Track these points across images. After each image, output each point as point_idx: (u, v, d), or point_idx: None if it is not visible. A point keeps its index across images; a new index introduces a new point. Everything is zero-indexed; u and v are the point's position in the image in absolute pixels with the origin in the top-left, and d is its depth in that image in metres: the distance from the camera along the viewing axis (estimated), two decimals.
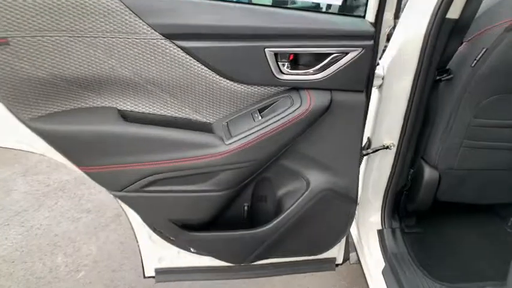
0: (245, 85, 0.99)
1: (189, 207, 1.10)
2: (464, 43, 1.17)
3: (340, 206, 1.23)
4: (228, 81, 0.97)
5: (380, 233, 1.48)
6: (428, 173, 1.43)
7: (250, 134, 0.99)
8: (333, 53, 0.95)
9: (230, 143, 0.99)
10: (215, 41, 0.91)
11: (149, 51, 0.90)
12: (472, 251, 1.47)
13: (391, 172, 1.39)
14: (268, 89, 1.02)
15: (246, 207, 1.25)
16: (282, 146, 1.04)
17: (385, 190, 1.45)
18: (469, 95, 1.20)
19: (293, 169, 1.17)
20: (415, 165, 1.45)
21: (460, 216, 1.63)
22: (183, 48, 0.90)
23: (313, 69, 0.97)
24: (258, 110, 1.02)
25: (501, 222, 1.62)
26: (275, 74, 0.96)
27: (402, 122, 1.27)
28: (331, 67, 0.97)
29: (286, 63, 0.96)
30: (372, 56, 0.96)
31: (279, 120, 0.98)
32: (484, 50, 1.10)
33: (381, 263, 1.37)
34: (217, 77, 0.96)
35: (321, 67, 0.97)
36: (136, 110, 1.01)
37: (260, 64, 0.94)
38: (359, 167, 1.17)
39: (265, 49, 0.92)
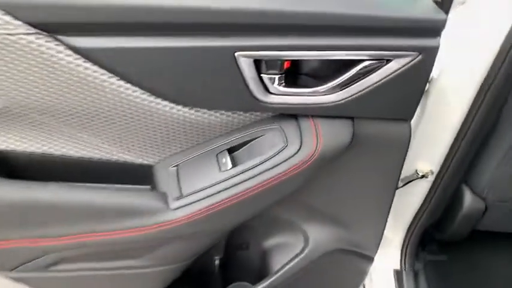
0: (202, 112, 0.57)
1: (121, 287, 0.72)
2: None
3: (351, 265, 0.87)
4: (169, 104, 0.55)
5: (398, 274, 1.13)
6: (472, 202, 1.07)
7: (213, 195, 0.58)
8: (364, 60, 0.52)
9: (178, 208, 0.58)
10: (143, 39, 0.48)
11: (16, 55, 0.47)
12: None
13: (423, 205, 1.02)
14: (246, 115, 0.60)
15: (217, 262, 0.87)
16: (267, 207, 0.64)
17: (411, 224, 1.08)
18: None
19: (285, 219, 0.79)
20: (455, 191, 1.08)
21: (495, 241, 1.27)
22: (77, 50, 0.47)
23: (325, 86, 0.55)
24: (228, 149, 0.61)
25: None
26: (255, 94, 0.54)
27: (452, 144, 0.86)
28: (358, 83, 0.54)
29: (277, 76, 0.53)
30: (431, 64, 0.53)
31: (262, 173, 0.57)
32: None
33: None
34: (151, 98, 0.53)
35: (340, 84, 0.54)
36: (28, 150, 0.59)
37: (228, 78, 0.52)
38: (387, 218, 0.79)
39: (236, 53, 0.49)
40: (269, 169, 0.57)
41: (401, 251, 1.14)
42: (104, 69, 0.49)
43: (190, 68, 0.50)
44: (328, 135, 0.57)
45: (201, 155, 0.62)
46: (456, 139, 0.85)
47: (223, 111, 0.58)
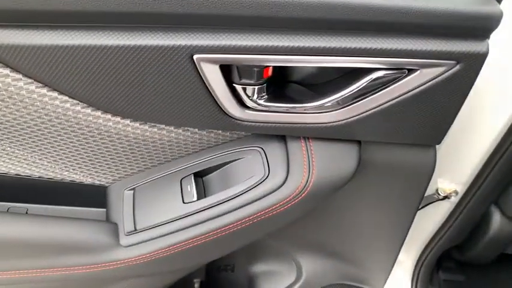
0: (159, 127, 0.44)
1: None
2: None
3: None
4: (113, 118, 0.42)
5: None
6: (502, 225, 0.92)
7: (173, 233, 0.45)
8: (377, 69, 0.38)
9: (130, 246, 0.46)
10: (64, 33, 0.34)
11: None
12: None
13: (442, 227, 0.88)
14: (218, 132, 0.46)
15: (197, 285, 0.76)
16: (246, 244, 0.51)
17: (426, 247, 0.94)
18: None
19: (275, 246, 0.67)
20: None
21: None
22: None
23: (323, 101, 0.40)
24: (195, 173, 0.47)
25: None
26: (227, 109, 0.40)
27: (484, 163, 0.71)
28: (367, 99, 0.40)
29: (256, 87, 0.39)
30: (474, 77, 0.38)
31: (236, 209, 0.44)
32: None
33: None
34: (87, 110, 0.41)
35: (343, 99, 0.40)
36: None
37: (187, 89, 0.38)
38: (399, 252, 0.66)
39: (195, 56, 0.35)
40: (246, 205, 0.44)
41: (413, 275, 1.00)
42: (18, 74, 0.36)
43: (132, 73, 0.37)
44: (325, 163, 0.43)
45: (162, 178, 0.49)
46: (490, 158, 0.69)
47: (183, 129, 0.44)
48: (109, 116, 0.41)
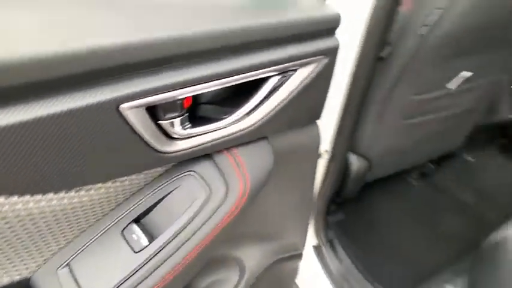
0: (85, 189, 0.41)
1: None
2: (404, 3, 0.81)
3: (286, 269, 0.84)
4: (22, 199, 0.38)
5: (317, 249, 1.18)
6: (357, 164, 1.16)
7: (139, 285, 0.44)
8: (270, 77, 0.45)
9: None
10: None
11: None
12: (403, 228, 1.32)
13: (324, 180, 1.06)
14: (146, 172, 0.47)
15: None
16: (208, 260, 0.54)
17: (318, 199, 1.12)
18: (412, 70, 0.89)
19: (215, 255, 0.69)
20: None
21: (379, 184, 1.44)
22: None
23: (236, 114, 0.46)
24: (135, 219, 0.47)
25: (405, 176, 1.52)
26: (156, 146, 0.41)
27: (339, 124, 0.89)
28: (269, 101, 0.47)
29: (180, 118, 0.42)
30: (334, 63, 0.50)
31: (191, 238, 0.46)
32: (440, 12, 0.76)
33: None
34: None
35: (252, 106, 0.46)
36: None
37: (113, 140, 0.38)
38: (310, 214, 0.78)
39: (121, 106, 0.35)
40: (199, 229, 0.46)
41: (314, 226, 1.17)
42: None
43: (52, 144, 0.34)
44: (252, 165, 0.49)
45: (99, 238, 0.46)
46: (342, 120, 0.88)
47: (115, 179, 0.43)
48: (15, 198, 0.37)
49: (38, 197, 0.38)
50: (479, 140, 1.53)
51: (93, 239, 0.46)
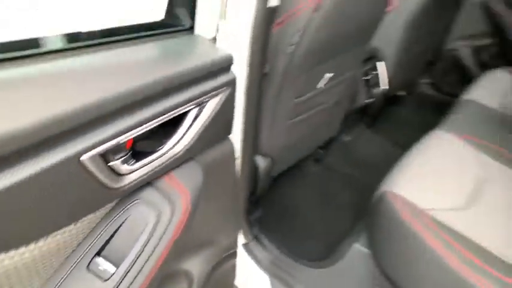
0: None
1: None
2: (274, 27, 1.00)
3: (226, 268, 0.96)
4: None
5: (247, 247, 1.32)
6: (263, 163, 1.34)
7: None
8: (191, 109, 0.57)
9: None
10: None
11: None
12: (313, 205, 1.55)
13: (240, 182, 1.19)
14: (99, 211, 0.54)
15: None
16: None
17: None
18: (289, 79, 1.09)
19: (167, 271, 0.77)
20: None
21: (279, 179, 1.64)
22: None
23: (168, 144, 0.56)
24: (97, 252, 0.53)
25: (303, 165, 1.76)
26: (109, 185, 0.50)
27: (243, 130, 1.04)
28: (193, 127, 0.59)
29: (125, 156, 0.51)
30: (235, 89, 0.65)
31: (151, 255, 0.55)
32: (299, 34, 0.97)
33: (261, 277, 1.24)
34: None
35: (182, 133, 0.57)
36: None
37: (74, 188, 0.45)
38: (237, 215, 0.91)
39: (81, 157, 0.43)
40: (155, 248, 0.55)
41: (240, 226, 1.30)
42: None
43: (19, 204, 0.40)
44: (188, 182, 0.60)
45: (67, 279, 0.51)
46: (245, 127, 1.03)
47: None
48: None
49: (11, 253, 0.43)
50: (351, 122, 1.87)
51: (62, 280, 0.51)
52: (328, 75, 1.24)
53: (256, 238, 1.32)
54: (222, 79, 0.59)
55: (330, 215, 1.51)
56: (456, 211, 0.95)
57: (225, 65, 0.60)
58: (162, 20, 0.61)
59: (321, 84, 1.25)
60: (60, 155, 0.40)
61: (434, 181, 1.04)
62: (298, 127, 1.33)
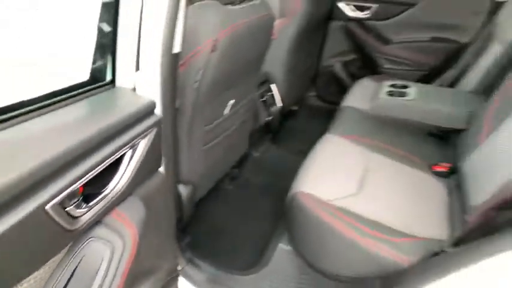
0: None
1: None
2: (180, 68, 1.12)
3: None
4: None
5: (183, 271, 1.39)
6: (186, 191, 1.43)
7: None
8: (126, 152, 0.66)
9: None
10: None
11: None
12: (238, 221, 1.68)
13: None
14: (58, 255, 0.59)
15: None
16: None
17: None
18: (198, 110, 1.23)
19: None
20: None
21: (201, 202, 1.73)
22: None
23: (112, 183, 0.65)
24: None
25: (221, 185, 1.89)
26: (68, 227, 0.56)
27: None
28: (130, 165, 0.68)
29: (78, 200, 0.58)
30: (161, 126, 0.75)
31: (112, 282, 0.62)
32: (201, 72, 1.12)
33: None
34: None
35: (120, 176, 0.66)
36: None
37: (41, 234, 0.52)
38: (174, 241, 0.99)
39: (46, 207, 0.50)
40: (113, 280, 0.62)
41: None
42: None
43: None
44: (132, 216, 0.69)
45: None
46: (167, 159, 1.12)
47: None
48: None
49: None
50: (257, 139, 2.07)
51: None
52: (231, 102, 1.41)
53: (190, 261, 1.39)
54: (148, 122, 0.70)
55: (254, 223, 1.66)
56: (351, 197, 1.19)
57: (149, 110, 0.70)
58: (88, 80, 0.69)
59: (226, 110, 1.42)
60: (28, 207, 0.47)
61: (331, 176, 1.27)
62: (212, 152, 1.47)
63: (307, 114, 2.68)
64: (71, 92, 0.63)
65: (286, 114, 2.29)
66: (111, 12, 0.67)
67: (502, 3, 1.98)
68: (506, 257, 0.72)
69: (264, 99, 1.88)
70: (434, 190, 1.28)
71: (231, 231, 1.63)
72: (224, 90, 1.30)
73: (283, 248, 1.40)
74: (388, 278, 1.01)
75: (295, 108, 2.54)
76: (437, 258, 0.96)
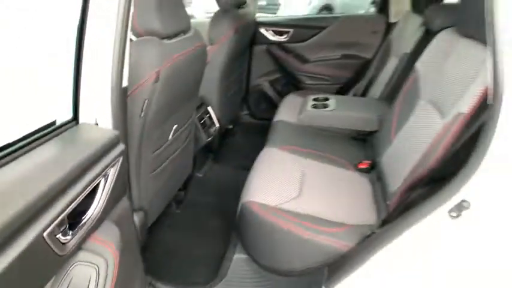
0: None
1: None
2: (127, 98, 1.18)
3: None
4: None
5: None
6: (139, 217, 1.47)
7: None
8: (99, 182, 0.74)
9: None
10: None
11: None
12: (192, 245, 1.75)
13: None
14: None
15: None
16: None
17: None
18: (146, 138, 1.30)
19: None
20: None
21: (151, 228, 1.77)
22: None
23: (89, 211, 0.71)
24: None
25: (169, 208, 1.94)
26: (60, 253, 0.63)
27: None
28: (103, 194, 0.75)
29: (65, 228, 0.64)
30: (126, 159, 0.83)
31: None
32: (146, 102, 1.21)
33: None
34: None
35: (96, 203, 0.73)
36: None
37: (38, 261, 0.58)
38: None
39: (44, 234, 0.57)
40: None
41: None
42: None
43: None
44: (110, 239, 0.75)
45: None
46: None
47: None
48: None
49: None
50: (199, 160, 2.17)
51: None
52: (175, 127, 1.51)
53: (151, 285, 1.43)
54: (116, 152, 0.77)
55: (208, 240, 1.74)
56: (294, 199, 1.35)
57: (115, 141, 0.78)
58: (53, 120, 0.75)
59: (171, 135, 1.51)
60: (31, 234, 0.53)
61: (275, 184, 1.43)
62: (160, 177, 1.53)
63: (242, 131, 2.85)
64: (40, 133, 0.69)
65: (224, 133, 2.43)
66: (69, 51, 0.74)
67: (394, 23, 2.37)
68: (420, 226, 0.91)
69: (202, 121, 1.99)
70: (361, 184, 1.50)
71: (187, 252, 1.68)
72: (168, 117, 1.40)
73: (239, 257, 1.50)
74: (333, 264, 1.18)
75: (230, 126, 2.69)
76: (369, 239, 1.14)
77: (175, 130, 1.54)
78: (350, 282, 1.02)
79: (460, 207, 0.83)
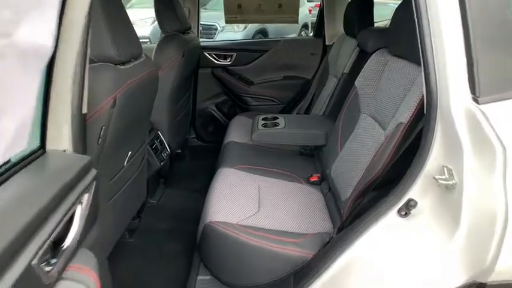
0: None
1: None
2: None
3: None
4: None
5: None
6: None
7: None
8: (76, 208, 0.72)
9: None
10: None
11: None
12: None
13: None
14: None
15: None
16: None
17: None
18: (103, 165, 1.27)
19: None
20: None
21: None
22: None
23: (67, 240, 0.70)
24: None
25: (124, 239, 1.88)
26: (44, 281, 0.61)
27: None
28: (79, 221, 0.74)
29: (47, 257, 0.63)
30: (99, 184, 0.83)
31: None
32: (104, 128, 1.19)
33: None
34: None
35: (75, 231, 0.72)
36: None
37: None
38: None
39: (33, 262, 0.56)
40: None
41: None
42: None
43: None
44: (90, 265, 0.74)
45: None
46: None
47: None
48: None
49: None
50: (151, 186, 2.13)
51: None
52: (130, 153, 1.49)
53: None
54: (89, 177, 0.77)
55: (168, 266, 1.70)
56: (254, 215, 1.39)
57: (87, 166, 0.77)
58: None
59: (126, 162, 1.48)
60: (22, 263, 0.51)
61: (234, 202, 1.46)
62: (116, 204, 1.49)
63: (191, 155, 2.85)
64: (9, 163, 0.66)
65: (174, 157, 2.41)
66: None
67: (330, 45, 2.60)
68: (375, 228, 1.01)
69: (154, 146, 1.98)
70: (314, 196, 1.60)
71: (147, 281, 1.63)
72: (123, 143, 1.38)
73: (202, 278, 1.50)
74: (299, 272, 1.23)
75: (179, 151, 2.68)
76: (328, 245, 1.23)
77: (130, 156, 1.51)
78: (317, 287, 1.08)
79: (408, 206, 0.95)
